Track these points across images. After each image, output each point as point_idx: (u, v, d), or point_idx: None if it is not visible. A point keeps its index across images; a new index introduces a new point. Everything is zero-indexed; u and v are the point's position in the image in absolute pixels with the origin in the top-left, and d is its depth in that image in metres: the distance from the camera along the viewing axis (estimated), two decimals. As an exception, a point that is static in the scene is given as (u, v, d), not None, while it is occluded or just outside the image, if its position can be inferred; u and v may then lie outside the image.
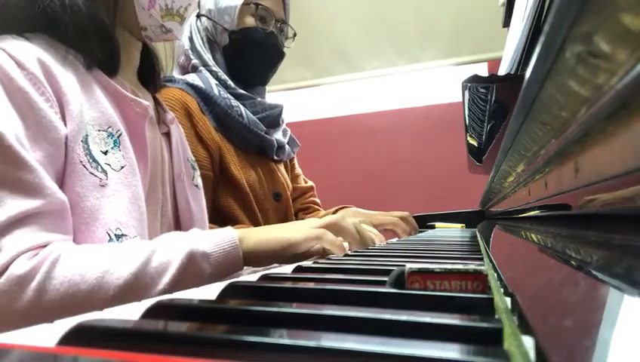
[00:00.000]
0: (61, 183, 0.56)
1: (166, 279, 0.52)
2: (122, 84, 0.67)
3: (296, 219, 1.31)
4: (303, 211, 1.35)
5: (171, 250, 0.53)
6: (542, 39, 0.21)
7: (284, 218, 1.23)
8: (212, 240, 0.56)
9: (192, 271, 0.53)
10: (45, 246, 0.51)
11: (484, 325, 0.19)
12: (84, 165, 0.57)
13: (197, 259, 0.54)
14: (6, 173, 0.50)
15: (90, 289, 0.49)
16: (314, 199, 1.39)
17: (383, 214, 1.20)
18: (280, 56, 1.20)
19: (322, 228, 0.61)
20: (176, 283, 0.52)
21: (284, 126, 1.28)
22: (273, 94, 2.29)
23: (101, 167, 0.59)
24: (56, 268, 0.49)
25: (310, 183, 1.40)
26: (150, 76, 0.79)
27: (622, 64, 0.14)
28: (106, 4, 0.65)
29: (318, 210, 1.36)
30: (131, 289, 0.50)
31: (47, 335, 0.20)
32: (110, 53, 0.64)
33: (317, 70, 2.34)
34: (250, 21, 1.14)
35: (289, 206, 1.25)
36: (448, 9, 2.09)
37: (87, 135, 0.58)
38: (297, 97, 2.42)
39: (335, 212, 1.28)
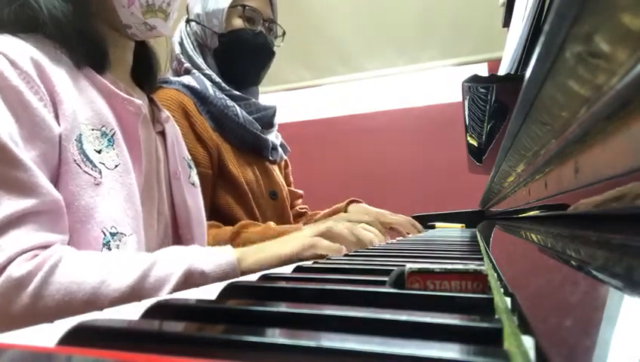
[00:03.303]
0: (55, 182, 0.55)
1: (162, 294, 0.51)
2: (115, 83, 0.67)
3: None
4: (299, 217, 1.36)
5: (170, 266, 0.53)
6: (542, 39, 0.21)
7: (281, 216, 1.24)
8: (211, 259, 0.56)
9: (189, 288, 0.53)
10: (43, 246, 0.51)
11: (484, 325, 0.19)
12: (77, 164, 0.57)
13: (195, 278, 0.53)
14: (0, 173, 0.50)
15: (85, 299, 0.49)
16: (305, 206, 1.42)
17: (392, 214, 1.21)
18: (270, 55, 1.21)
19: (316, 237, 0.62)
20: None
21: (276, 129, 1.29)
22: (273, 94, 2.30)
23: (95, 166, 0.59)
24: (54, 274, 0.49)
25: (301, 191, 1.41)
26: (145, 76, 0.78)
27: (622, 64, 0.14)
28: (82, 3, 0.65)
29: (309, 214, 1.39)
30: (127, 302, 0.50)
31: (47, 335, 0.20)
32: (95, 50, 0.64)
33: (317, 70, 2.34)
34: (238, 23, 1.14)
35: (285, 205, 1.26)
36: (448, 9, 2.09)
37: (80, 134, 0.58)
38: (297, 97, 2.42)
39: (347, 205, 1.29)
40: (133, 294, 0.50)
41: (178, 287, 0.52)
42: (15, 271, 0.48)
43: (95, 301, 0.49)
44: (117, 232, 0.59)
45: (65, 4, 0.62)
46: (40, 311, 0.48)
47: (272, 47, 1.20)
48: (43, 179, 0.52)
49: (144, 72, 0.78)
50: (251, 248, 0.62)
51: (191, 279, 0.53)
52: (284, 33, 1.24)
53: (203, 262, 0.55)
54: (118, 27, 0.68)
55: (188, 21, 1.19)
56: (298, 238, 0.62)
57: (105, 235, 0.57)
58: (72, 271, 0.50)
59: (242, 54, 1.16)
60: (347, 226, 0.68)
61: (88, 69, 0.64)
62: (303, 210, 1.39)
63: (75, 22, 0.62)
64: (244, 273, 0.58)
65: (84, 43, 0.63)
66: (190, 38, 1.18)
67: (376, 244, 0.77)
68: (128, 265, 0.52)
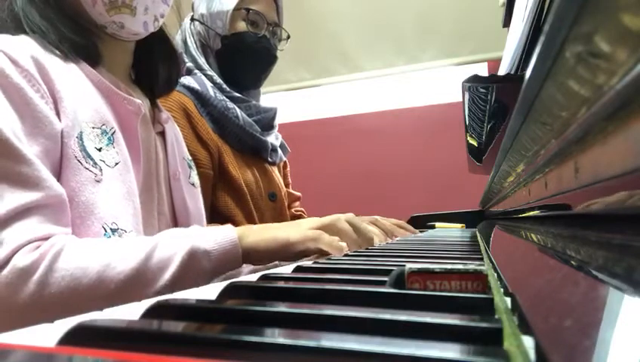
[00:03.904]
0: (57, 178, 0.56)
1: (167, 275, 0.52)
2: (115, 83, 0.67)
3: None
4: (293, 219, 1.36)
5: (173, 247, 0.54)
6: (542, 39, 0.21)
7: (279, 218, 1.24)
8: (212, 237, 0.57)
9: (193, 268, 0.54)
10: (47, 238, 0.51)
11: (484, 325, 0.19)
12: (79, 160, 0.58)
13: (198, 257, 0.54)
14: (4, 167, 0.51)
15: (91, 284, 0.49)
16: (302, 208, 1.41)
17: (383, 218, 1.20)
18: (272, 59, 1.20)
19: (319, 230, 0.62)
20: (177, 280, 0.52)
21: (276, 130, 1.29)
22: (273, 95, 2.30)
23: (96, 163, 0.59)
24: (58, 261, 0.50)
25: (299, 193, 1.41)
26: (148, 78, 0.78)
27: (622, 64, 0.14)
28: (58, 6, 0.64)
29: (305, 218, 1.38)
30: (132, 284, 0.50)
31: (47, 335, 0.20)
32: (81, 43, 0.64)
33: (317, 70, 2.34)
34: (241, 26, 1.14)
35: (284, 207, 1.26)
36: (448, 9, 2.09)
37: (81, 132, 0.59)
38: (297, 97, 2.42)
39: None
40: (137, 276, 0.51)
41: (182, 267, 0.53)
42: (20, 261, 0.48)
43: (100, 285, 0.50)
44: (117, 228, 0.59)
45: (43, 7, 0.63)
46: (47, 299, 0.48)
47: (275, 52, 1.20)
48: (46, 173, 0.53)
49: (146, 74, 0.78)
50: (253, 227, 0.62)
51: (194, 258, 0.54)
52: (288, 37, 1.23)
53: (205, 241, 0.56)
54: (100, 28, 0.68)
55: (192, 20, 1.19)
56: (302, 227, 0.62)
57: (105, 231, 0.58)
58: (75, 257, 0.50)
59: (244, 57, 1.15)
60: (350, 221, 0.68)
61: (87, 67, 0.64)
62: (299, 213, 1.39)
63: (53, 21, 0.62)
64: (244, 250, 0.58)
65: (68, 39, 0.63)
66: (194, 37, 1.17)
67: (376, 244, 0.77)
68: (131, 248, 0.53)
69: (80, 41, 0.64)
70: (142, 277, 0.51)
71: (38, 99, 0.55)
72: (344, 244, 0.62)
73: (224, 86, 1.14)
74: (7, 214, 0.49)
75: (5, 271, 0.48)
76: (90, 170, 0.58)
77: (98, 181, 0.59)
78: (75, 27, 0.64)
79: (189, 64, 1.15)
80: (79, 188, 0.57)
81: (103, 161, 0.60)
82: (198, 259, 0.54)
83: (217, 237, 0.57)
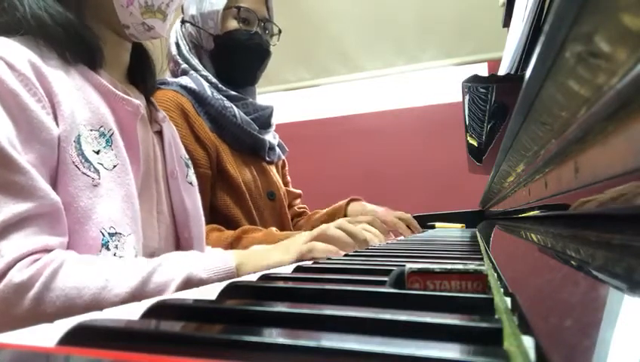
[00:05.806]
0: (54, 184, 0.56)
1: None
2: (113, 83, 0.66)
3: (293, 225, 1.33)
4: (297, 216, 1.37)
5: (169, 273, 0.54)
6: (542, 39, 0.21)
7: (279, 217, 1.24)
8: (210, 266, 0.57)
9: None
10: (43, 250, 0.51)
11: (484, 325, 0.19)
12: (76, 165, 0.57)
13: (193, 284, 0.54)
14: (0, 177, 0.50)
15: (86, 305, 0.49)
16: (304, 206, 1.42)
17: (386, 213, 1.22)
18: (266, 54, 1.21)
19: (311, 241, 0.63)
20: None
21: (273, 129, 1.29)
22: (272, 95, 2.30)
23: (94, 167, 0.59)
24: (55, 279, 0.49)
25: (299, 191, 1.42)
26: (142, 77, 0.78)
27: (622, 64, 0.14)
28: (75, 3, 0.64)
29: (308, 213, 1.40)
30: None
31: (47, 335, 0.20)
32: (86, 48, 0.63)
33: (317, 70, 2.34)
34: (233, 24, 1.15)
35: (283, 206, 1.26)
36: (448, 9, 2.10)
37: (79, 135, 0.58)
38: (297, 97, 2.42)
39: (347, 204, 1.30)
40: (133, 300, 0.51)
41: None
42: (16, 276, 0.48)
43: (95, 307, 0.49)
44: (115, 233, 0.59)
45: (54, 4, 0.62)
46: (41, 316, 0.48)
47: (268, 47, 1.21)
48: (41, 182, 0.53)
49: (141, 73, 0.78)
50: (251, 255, 0.63)
51: (190, 286, 0.54)
52: (279, 31, 1.24)
53: (202, 269, 0.56)
54: (115, 27, 0.68)
55: (183, 22, 1.19)
56: (295, 246, 0.63)
57: (103, 236, 0.57)
58: (72, 276, 0.50)
59: (238, 55, 1.16)
60: (341, 226, 0.69)
61: (85, 69, 0.63)
62: (302, 210, 1.39)
63: (62, 21, 0.61)
64: None
65: (73, 42, 0.62)
66: (185, 40, 1.18)
67: (375, 244, 0.77)
68: (128, 271, 0.52)
69: (84, 45, 0.63)
70: (137, 301, 0.51)
71: (35, 104, 0.54)
72: (338, 249, 0.63)
73: (220, 85, 1.15)
74: (2, 225, 0.49)
75: (1, 286, 0.48)
76: (88, 175, 0.58)
77: (96, 185, 0.58)
78: (81, 30, 0.63)
79: (184, 65, 1.16)
80: (77, 193, 0.56)
81: (101, 164, 0.60)
82: (194, 287, 0.54)
83: (215, 265, 0.57)
